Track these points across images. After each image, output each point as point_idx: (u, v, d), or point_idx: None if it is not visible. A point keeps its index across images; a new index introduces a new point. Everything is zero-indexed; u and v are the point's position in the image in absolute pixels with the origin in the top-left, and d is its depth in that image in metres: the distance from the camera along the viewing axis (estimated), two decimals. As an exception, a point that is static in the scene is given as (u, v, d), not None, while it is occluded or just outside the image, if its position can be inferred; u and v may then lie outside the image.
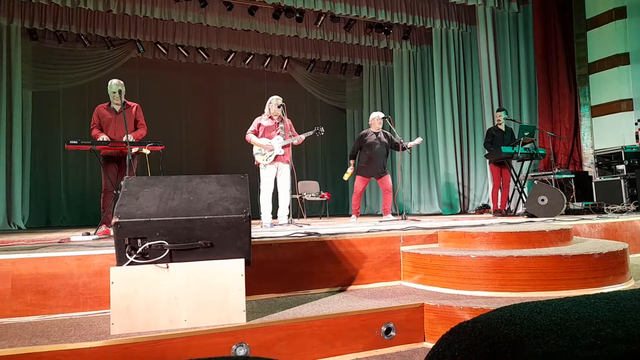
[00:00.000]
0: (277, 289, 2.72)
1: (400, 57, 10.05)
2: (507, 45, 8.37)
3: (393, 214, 6.02)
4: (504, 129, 6.67)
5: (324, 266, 2.86)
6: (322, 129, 5.41)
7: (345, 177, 6.18)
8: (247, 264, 2.18)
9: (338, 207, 10.97)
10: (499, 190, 6.59)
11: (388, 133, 6.11)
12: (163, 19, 8.08)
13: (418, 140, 6.04)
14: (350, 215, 6.36)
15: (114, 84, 4.52)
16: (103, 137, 4.34)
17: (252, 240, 2.34)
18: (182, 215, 2.12)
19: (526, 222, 4.24)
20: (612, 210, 5.83)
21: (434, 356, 0.54)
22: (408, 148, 6.02)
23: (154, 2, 7.80)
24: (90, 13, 8.14)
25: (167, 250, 2.09)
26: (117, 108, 4.55)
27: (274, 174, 5.21)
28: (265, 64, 10.33)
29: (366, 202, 10.77)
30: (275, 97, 5.28)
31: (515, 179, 6.41)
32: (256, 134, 5.24)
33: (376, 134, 5.98)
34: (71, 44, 8.82)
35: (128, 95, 4.77)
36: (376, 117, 5.99)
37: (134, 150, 4.29)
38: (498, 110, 6.83)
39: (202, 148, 10.13)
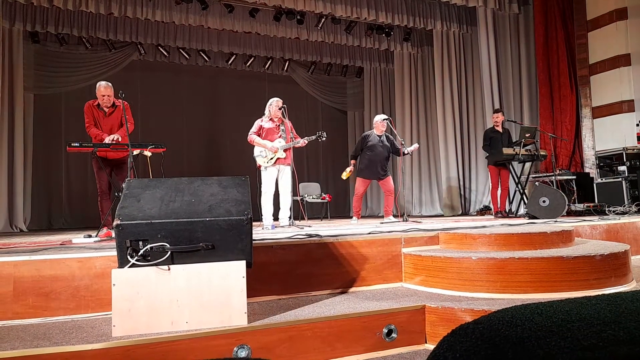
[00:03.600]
0: (278, 291, 2.72)
1: (401, 58, 10.06)
2: (508, 47, 8.37)
3: (394, 216, 6.01)
4: (501, 130, 6.65)
5: (325, 268, 2.86)
6: (325, 134, 5.37)
7: (344, 176, 6.16)
8: (248, 265, 2.18)
9: (339, 208, 10.97)
10: (498, 191, 6.58)
11: (390, 137, 6.11)
12: (164, 21, 8.10)
13: (415, 146, 6.06)
14: (351, 217, 6.36)
15: (103, 87, 4.40)
16: (113, 138, 4.30)
17: (254, 242, 2.34)
18: (183, 217, 2.12)
19: (527, 223, 4.24)
20: (613, 211, 5.82)
21: (435, 358, 0.54)
22: (408, 153, 6.02)
23: (155, 4, 7.81)
24: (91, 16, 8.16)
25: (169, 252, 2.09)
26: (107, 110, 4.52)
27: (275, 176, 5.21)
28: (267, 66, 10.34)
29: (367, 203, 10.76)
30: (275, 99, 5.28)
31: (516, 180, 6.40)
32: (258, 135, 5.24)
33: (379, 136, 5.97)
34: (73, 47, 8.84)
35: (129, 98, 4.76)
36: (380, 120, 5.99)
37: (135, 152, 4.28)
38: (497, 112, 6.78)
39: (204, 150, 10.15)
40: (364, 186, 6.02)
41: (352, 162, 6.18)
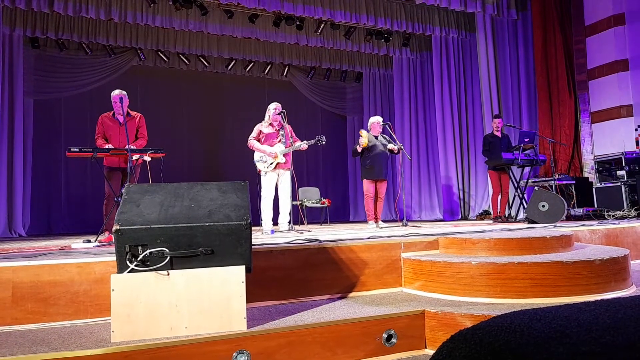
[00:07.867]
0: (278, 296, 2.71)
1: (400, 64, 10.09)
2: (507, 52, 8.41)
3: (383, 221, 6.02)
4: (500, 135, 6.66)
5: (325, 273, 2.86)
6: (324, 138, 5.36)
7: (364, 143, 5.83)
8: (247, 270, 2.18)
9: (339, 213, 10.96)
10: (499, 196, 6.58)
11: (387, 137, 6.13)
12: (164, 27, 8.13)
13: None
14: (351, 222, 6.34)
15: (115, 94, 4.55)
16: (109, 146, 4.34)
17: (253, 247, 2.34)
18: (183, 222, 2.12)
19: (527, 228, 4.24)
20: (613, 216, 5.82)
21: (434, 364, 0.54)
22: (400, 148, 5.96)
23: (155, 10, 7.85)
24: (91, 21, 8.19)
25: (168, 258, 2.09)
26: (121, 119, 4.55)
27: (275, 181, 5.21)
28: (266, 71, 10.37)
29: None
30: (274, 103, 5.29)
31: (516, 185, 6.40)
32: (258, 140, 5.25)
33: (376, 137, 6.00)
34: (73, 52, 8.87)
35: (130, 102, 4.78)
36: (376, 121, 6.02)
37: (135, 157, 4.29)
38: (497, 117, 6.78)
39: (203, 155, 10.15)
40: (372, 186, 5.96)
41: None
